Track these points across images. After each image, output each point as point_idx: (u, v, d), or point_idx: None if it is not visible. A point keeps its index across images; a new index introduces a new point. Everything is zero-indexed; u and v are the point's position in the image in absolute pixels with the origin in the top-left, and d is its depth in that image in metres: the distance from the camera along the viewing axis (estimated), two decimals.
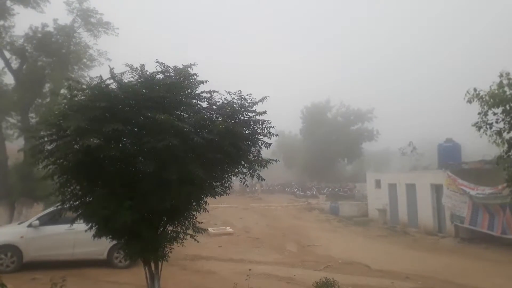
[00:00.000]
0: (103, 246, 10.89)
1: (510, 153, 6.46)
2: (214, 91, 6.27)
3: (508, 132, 6.32)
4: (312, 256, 14.89)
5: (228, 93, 6.34)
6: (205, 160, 6.01)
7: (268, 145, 6.59)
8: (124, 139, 5.97)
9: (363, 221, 24.17)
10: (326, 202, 30.53)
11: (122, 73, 5.96)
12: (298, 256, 14.79)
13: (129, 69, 6.00)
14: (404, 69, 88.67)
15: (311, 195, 37.29)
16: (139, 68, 6.07)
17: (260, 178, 6.63)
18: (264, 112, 6.38)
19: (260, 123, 6.41)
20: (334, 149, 43.61)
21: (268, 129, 6.43)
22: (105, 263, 11.66)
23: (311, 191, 38.83)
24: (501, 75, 6.36)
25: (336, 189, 38.07)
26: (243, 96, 6.29)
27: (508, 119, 6.24)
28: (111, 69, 6.00)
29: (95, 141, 5.15)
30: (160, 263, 6.40)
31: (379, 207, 23.86)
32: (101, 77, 5.92)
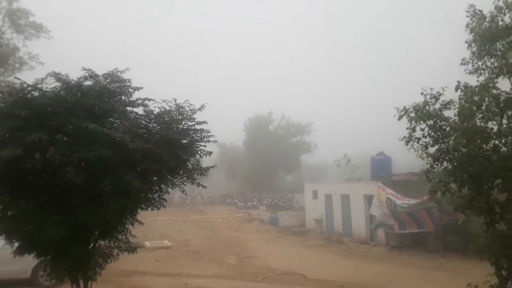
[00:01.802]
0: (26, 264, 10.05)
1: (435, 166, 6.94)
2: (149, 99, 6.08)
3: (433, 146, 6.79)
4: (251, 267, 14.91)
5: (164, 101, 6.21)
6: (141, 170, 5.82)
7: (209, 153, 6.55)
8: (51, 149, 5.60)
9: (301, 231, 24.70)
10: (266, 213, 30.85)
11: (43, 79, 5.57)
12: (237, 268, 14.74)
13: (51, 75, 5.61)
14: (340, 83, 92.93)
15: (252, 206, 37.50)
16: (63, 75, 5.71)
17: (201, 186, 6.56)
18: (204, 122, 6.35)
19: (200, 132, 6.36)
20: (275, 161, 44.45)
21: (207, 137, 6.39)
22: (30, 283, 10.79)
23: (252, 202, 39.06)
24: (423, 93, 6.84)
25: (276, 200, 38.63)
26: (180, 105, 6.19)
27: (433, 134, 6.71)
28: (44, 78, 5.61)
29: (17, 151, 4.77)
30: (90, 282, 6.05)
31: (316, 217, 24.55)
32: (22, 83, 5.52)
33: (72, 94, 5.50)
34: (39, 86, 5.52)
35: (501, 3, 6.90)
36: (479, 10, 7.12)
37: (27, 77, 6.25)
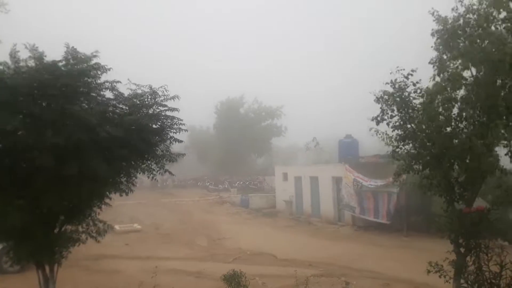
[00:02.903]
0: None
1: (401, 147, 7.16)
2: (117, 81, 5.90)
3: (401, 127, 6.97)
4: (221, 249, 15.07)
5: (137, 86, 6.06)
6: (109, 155, 5.69)
7: (179, 141, 6.49)
8: (20, 133, 5.34)
9: (271, 213, 25.09)
10: (237, 195, 31.05)
11: (14, 56, 5.30)
12: (208, 250, 14.86)
13: (27, 51, 5.32)
14: (311, 69, 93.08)
15: (223, 189, 37.61)
16: (37, 51, 5.42)
17: (170, 173, 6.52)
18: (176, 109, 6.24)
19: (171, 119, 6.26)
20: (246, 144, 44.60)
21: (178, 125, 6.31)
22: None
23: (223, 185, 39.15)
24: (398, 71, 6.94)
25: (247, 183, 38.92)
26: (154, 89, 6.05)
27: (402, 114, 6.89)
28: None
29: None
30: (56, 266, 5.94)
31: (286, 198, 24.97)
32: None
33: (49, 73, 5.19)
34: (13, 66, 5.23)
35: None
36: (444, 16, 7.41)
37: None
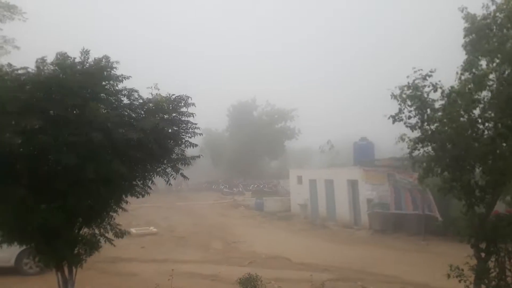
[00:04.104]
0: (9, 252, 9.91)
1: (419, 149, 7.03)
2: (135, 91, 5.96)
3: (420, 127, 6.86)
4: (237, 252, 15.06)
5: (156, 91, 6.09)
6: (125, 158, 5.74)
7: (194, 145, 6.51)
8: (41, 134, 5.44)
9: (286, 216, 24.98)
10: (252, 199, 31.03)
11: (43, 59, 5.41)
12: (223, 253, 14.87)
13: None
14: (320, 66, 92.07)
15: (238, 192, 37.64)
16: (64, 55, 5.52)
17: (184, 177, 6.55)
18: (192, 115, 6.26)
19: (185, 123, 6.30)
20: (259, 147, 44.56)
21: (193, 129, 6.34)
22: (14, 271, 10.68)
23: (237, 188, 39.21)
24: (415, 71, 6.81)
25: (262, 186, 38.87)
26: (177, 98, 6.07)
27: (420, 113, 6.78)
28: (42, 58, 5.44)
29: (15, 138, 4.66)
30: (74, 268, 6.01)
31: (300, 202, 24.84)
32: (9, 66, 5.33)
33: (69, 75, 5.29)
34: (30, 69, 5.34)
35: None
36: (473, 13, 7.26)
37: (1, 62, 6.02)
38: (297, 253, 14.23)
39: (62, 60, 5.45)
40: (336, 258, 13.57)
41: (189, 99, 6.12)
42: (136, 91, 5.98)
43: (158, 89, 6.05)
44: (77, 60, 5.59)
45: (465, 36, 7.32)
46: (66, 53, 5.59)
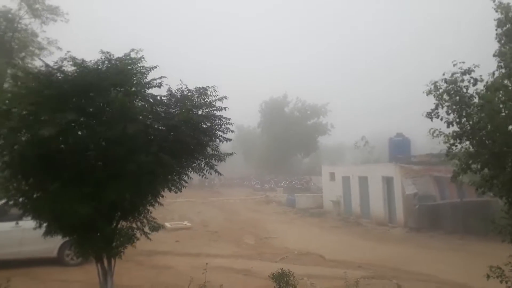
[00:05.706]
0: (53, 243, 10.39)
1: (457, 145, 6.80)
2: (163, 77, 5.96)
3: (458, 123, 6.63)
4: (269, 248, 15.12)
5: (184, 86, 6.19)
6: (163, 151, 5.88)
7: (228, 140, 6.58)
8: (78, 129, 5.66)
9: (318, 213, 24.82)
10: (284, 195, 31.04)
11: (62, 61, 5.62)
12: (255, 249, 14.97)
13: (68, 60, 5.66)
14: (354, 62, 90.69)
15: (269, 188, 37.77)
16: (78, 59, 5.71)
17: (218, 173, 6.64)
18: (224, 108, 6.31)
19: (219, 119, 6.37)
20: (291, 143, 44.44)
21: (226, 125, 6.41)
22: (56, 261, 11.21)
23: (269, 184, 39.34)
24: (454, 65, 6.59)
25: (293, 182, 38.78)
26: (205, 91, 6.14)
27: (458, 109, 6.55)
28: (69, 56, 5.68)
29: (52, 131, 4.89)
30: (113, 260, 6.24)
31: (333, 199, 24.59)
32: (47, 66, 5.60)
33: (91, 76, 5.49)
34: (61, 69, 5.61)
35: None
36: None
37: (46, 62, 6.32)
38: (330, 250, 14.12)
39: (83, 67, 5.63)
40: (370, 256, 13.36)
41: (215, 90, 6.14)
42: (165, 77, 6.00)
43: (186, 84, 6.17)
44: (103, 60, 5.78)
45: (497, 27, 6.98)
46: (109, 52, 5.79)
